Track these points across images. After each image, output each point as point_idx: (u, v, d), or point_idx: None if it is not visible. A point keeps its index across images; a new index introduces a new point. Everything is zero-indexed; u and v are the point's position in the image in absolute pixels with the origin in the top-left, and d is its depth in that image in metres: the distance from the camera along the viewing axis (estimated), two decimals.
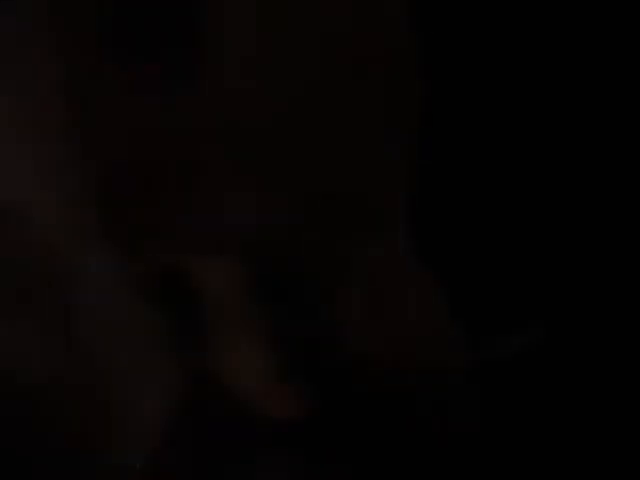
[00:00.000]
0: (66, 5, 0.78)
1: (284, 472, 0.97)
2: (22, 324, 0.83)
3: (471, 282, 0.89)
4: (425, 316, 0.96)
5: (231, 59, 0.83)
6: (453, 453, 0.93)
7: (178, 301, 0.93)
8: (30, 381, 0.85)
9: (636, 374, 0.86)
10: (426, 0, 0.84)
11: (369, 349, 0.97)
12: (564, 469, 0.90)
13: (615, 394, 0.88)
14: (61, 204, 0.86)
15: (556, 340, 0.88)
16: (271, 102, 0.87)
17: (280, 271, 0.95)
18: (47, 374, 0.86)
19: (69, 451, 0.88)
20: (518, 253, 0.90)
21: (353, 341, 0.96)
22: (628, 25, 0.81)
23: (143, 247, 0.86)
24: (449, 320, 0.94)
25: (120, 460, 0.90)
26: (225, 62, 0.82)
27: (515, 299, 0.90)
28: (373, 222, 0.97)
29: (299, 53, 0.88)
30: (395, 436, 0.96)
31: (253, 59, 0.87)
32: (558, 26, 0.84)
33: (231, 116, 0.85)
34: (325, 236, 0.95)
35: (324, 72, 0.90)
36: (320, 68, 0.90)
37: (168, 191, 0.84)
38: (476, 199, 0.88)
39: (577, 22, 0.83)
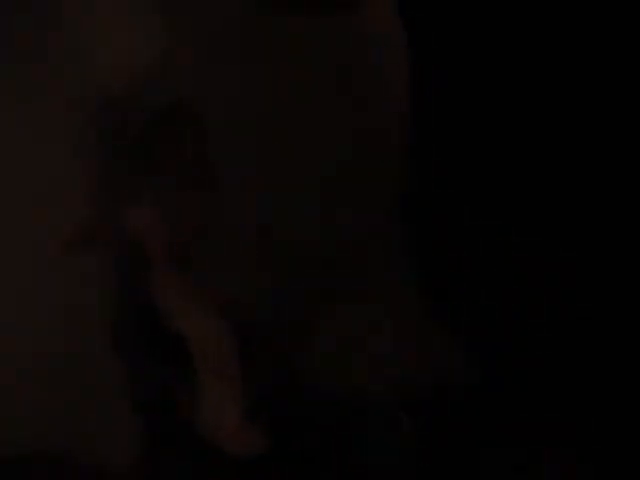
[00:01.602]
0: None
1: None
2: None
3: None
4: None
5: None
6: None
7: (167, 346, 1.09)
8: None
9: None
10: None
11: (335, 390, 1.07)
12: None
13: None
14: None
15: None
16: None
17: (256, 330, 1.12)
18: None
19: None
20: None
21: (319, 386, 1.07)
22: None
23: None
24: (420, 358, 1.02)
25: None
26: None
27: None
28: (336, 294, 1.11)
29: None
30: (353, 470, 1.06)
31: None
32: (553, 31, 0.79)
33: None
34: (296, 307, 1.13)
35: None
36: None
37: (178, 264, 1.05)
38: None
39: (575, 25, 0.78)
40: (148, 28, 1.12)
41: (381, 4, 1.04)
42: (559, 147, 0.75)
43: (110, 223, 1.08)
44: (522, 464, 0.92)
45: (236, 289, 1.10)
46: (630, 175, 0.74)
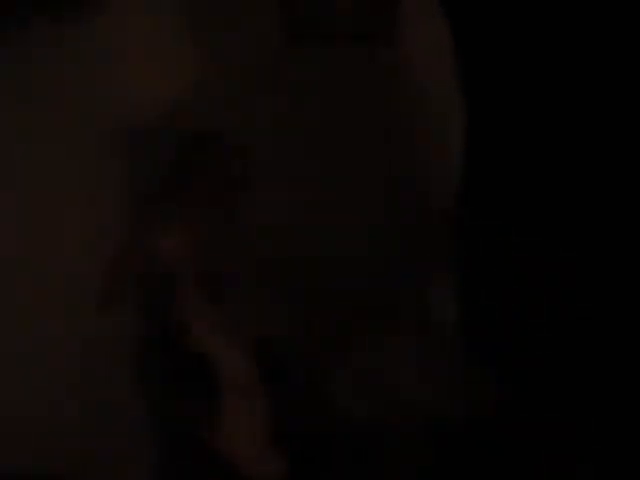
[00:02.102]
0: None
1: None
2: None
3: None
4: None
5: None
6: None
7: (190, 377, 1.10)
8: None
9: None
10: None
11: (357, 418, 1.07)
12: None
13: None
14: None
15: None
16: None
17: (282, 360, 1.12)
18: None
19: None
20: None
21: (341, 412, 1.08)
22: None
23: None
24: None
25: None
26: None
27: None
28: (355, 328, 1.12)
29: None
30: None
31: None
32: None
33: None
34: (324, 338, 1.14)
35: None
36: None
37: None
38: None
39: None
40: (179, 59, 1.13)
41: (415, 37, 1.05)
42: (560, 148, 0.75)
43: (141, 255, 1.09)
44: None
45: (265, 320, 1.11)
46: (630, 175, 0.74)
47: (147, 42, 1.12)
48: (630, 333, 0.77)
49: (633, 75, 0.74)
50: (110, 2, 1.11)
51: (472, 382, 0.94)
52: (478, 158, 0.81)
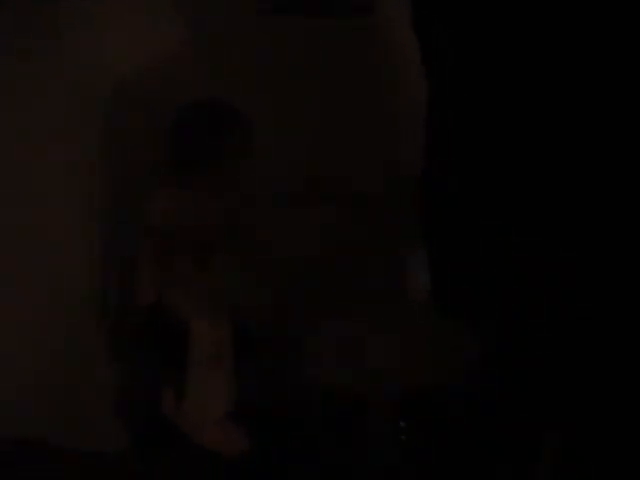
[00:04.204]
0: None
1: None
2: None
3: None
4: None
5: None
6: None
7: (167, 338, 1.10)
8: None
9: None
10: None
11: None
12: None
13: None
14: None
15: None
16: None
17: (257, 330, 1.14)
18: None
19: None
20: None
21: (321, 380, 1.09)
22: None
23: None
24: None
25: None
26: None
27: None
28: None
29: None
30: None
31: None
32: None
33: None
34: (298, 308, 1.15)
35: None
36: None
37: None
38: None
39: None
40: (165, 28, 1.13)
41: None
42: (560, 148, 0.75)
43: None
44: (521, 462, 0.95)
45: (243, 291, 1.11)
46: (630, 175, 0.73)
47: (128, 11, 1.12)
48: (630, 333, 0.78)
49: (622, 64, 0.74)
50: None
51: (445, 349, 0.96)
52: (482, 161, 0.81)
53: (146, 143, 1.13)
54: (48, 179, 1.11)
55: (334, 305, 1.15)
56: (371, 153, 1.19)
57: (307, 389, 1.14)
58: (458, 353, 0.95)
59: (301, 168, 1.18)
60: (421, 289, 1.10)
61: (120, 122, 1.14)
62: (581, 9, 0.71)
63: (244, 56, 1.13)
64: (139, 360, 1.15)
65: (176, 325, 1.10)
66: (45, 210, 1.12)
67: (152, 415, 1.15)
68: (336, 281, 1.21)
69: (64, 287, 1.14)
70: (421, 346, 1.09)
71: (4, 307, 1.12)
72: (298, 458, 1.11)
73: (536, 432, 0.92)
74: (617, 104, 0.72)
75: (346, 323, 1.14)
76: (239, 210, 1.11)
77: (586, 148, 0.73)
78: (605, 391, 0.80)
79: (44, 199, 1.11)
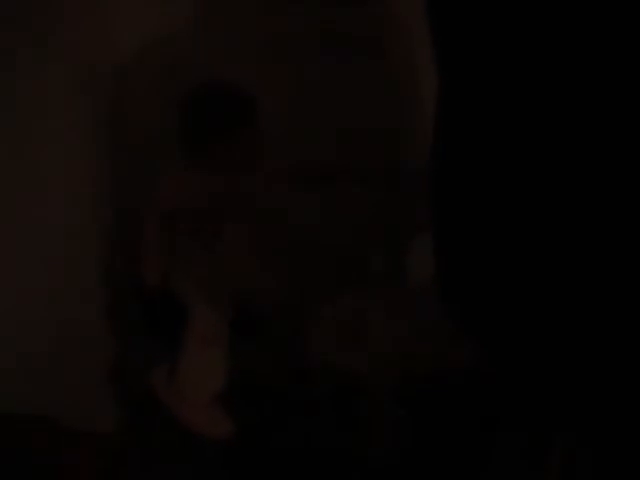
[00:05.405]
0: None
1: None
2: None
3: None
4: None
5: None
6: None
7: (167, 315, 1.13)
8: None
9: None
10: None
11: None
12: None
13: None
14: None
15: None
16: None
17: (256, 312, 1.17)
18: None
19: None
20: None
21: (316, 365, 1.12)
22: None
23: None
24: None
25: None
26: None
27: None
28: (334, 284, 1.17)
29: None
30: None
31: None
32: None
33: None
34: (298, 290, 1.19)
35: None
36: None
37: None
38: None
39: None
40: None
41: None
42: (560, 149, 0.74)
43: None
44: (520, 450, 0.95)
45: (244, 273, 1.15)
46: (630, 175, 0.72)
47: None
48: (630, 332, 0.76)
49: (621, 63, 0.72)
50: None
51: (446, 335, 0.95)
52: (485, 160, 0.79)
53: (150, 128, 1.15)
54: (50, 162, 1.12)
55: (335, 288, 1.19)
56: (373, 135, 1.20)
57: (307, 372, 1.16)
58: (460, 339, 0.92)
59: (301, 151, 1.19)
60: (424, 274, 1.11)
61: (123, 106, 1.15)
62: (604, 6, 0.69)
63: (246, 37, 1.15)
64: (138, 342, 1.17)
65: (178, 307, 1.12)
66: (47, 194, 1.13)
67: (145, 396, 1.16)
68: (337, 264, 1.23)
69: (65, 269, 1.15)
70: (423, 331, 1.11)
71: (3, 289, 1.12)
72: (297, 440, 1.13)
73: (542, 424, 0.92)
74: (617, 106, 0.71)
75: (347, 306, 1.18)
76: (242, 193, 1.12)
77: (586, 150, 0.73)
78: (615, 392, 0.79)
79: (44, 183, 1.12)
